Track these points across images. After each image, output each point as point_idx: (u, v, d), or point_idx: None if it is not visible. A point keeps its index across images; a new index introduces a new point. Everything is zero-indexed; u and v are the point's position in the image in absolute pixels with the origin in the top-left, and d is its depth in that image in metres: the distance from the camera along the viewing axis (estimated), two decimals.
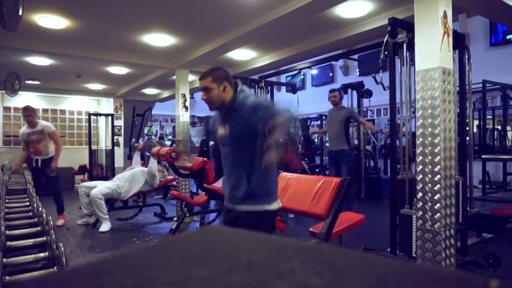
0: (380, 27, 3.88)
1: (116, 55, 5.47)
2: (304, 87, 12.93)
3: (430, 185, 2.57)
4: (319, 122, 9.66)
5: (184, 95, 6.04)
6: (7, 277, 1.54)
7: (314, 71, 12.23)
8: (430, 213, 2.57)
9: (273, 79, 6.70)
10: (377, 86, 4.90)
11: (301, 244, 0.36)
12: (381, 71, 3.66)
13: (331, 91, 5.53)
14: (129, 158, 7.75)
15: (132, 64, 5.96)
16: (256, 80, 5.97)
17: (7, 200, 3.06)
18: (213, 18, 3.99)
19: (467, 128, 3.54)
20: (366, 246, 3.48)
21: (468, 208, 3.11)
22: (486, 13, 3.80)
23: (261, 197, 1.89)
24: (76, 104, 9.31)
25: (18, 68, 6.05)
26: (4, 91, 6.60)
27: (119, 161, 8.54)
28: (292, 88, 7.04)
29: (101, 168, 8.05)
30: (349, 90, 6.84)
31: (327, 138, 6.78)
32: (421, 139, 2.63)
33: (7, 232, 2.07)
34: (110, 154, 7.82)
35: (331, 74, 12.08)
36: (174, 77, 6.19)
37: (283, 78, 11.12)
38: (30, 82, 7.35)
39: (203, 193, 4.41)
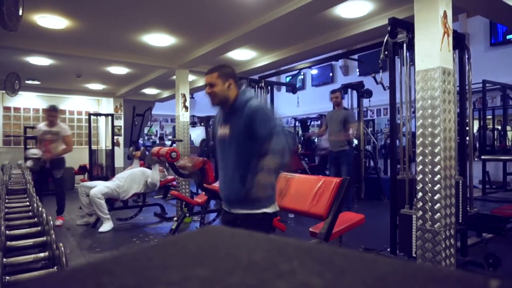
0: (380, 27, 3.88)
1: (116, 55, 5.47)
2: (304, 87, 12.93)
3: (430, 185, 2.57)
4: (319, 122, 9.67)
5: (184, 95, 6.04)
6: (7, 277, 1.54)
7: (314, 71, 12.23)
8: (430, 213, 2.57)
9: (273, 79, 6.70)
10: (377, 86, 4.90)
11: (301, 244, 0.36)
12: (381, 71, 3.66)
13: (332, 92, 5.53)
14: (129, 158, 7.75)
15: (132, 64, 5.96)
16: (256, 80, 5.97)
17: (7, 200, 3.06)
18: (213, 18, 3.99)
19: (467, 128, 3.54)
20: (366, 246, 3.48)
21: (468, 208, 3.11)
22: (486, 13, 3.80)
23: (259, 201, 1.86)
24: (76, 104, 9.31)
25: (18, 68, 6.05)
26: (4, 91, 6.60)
27: (119, 161, 8.54)
28: (292, 88, 7.04)
29: (101, 168, 8.05)
30: (349, 90, 6.83)
31: (320, 139, 6.85)
32: (421, 139, 2.63)
33: (7, 232, 2.07)
34: (110, 154, 7.82)
35: (331, 74, 12.08)
36: (174, 77, 6.19)
37: (283, 78, 11.13)
38: (30, 82, 7.35)
39: (203, 193, 4.41)
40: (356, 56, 6.56)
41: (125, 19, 4.07)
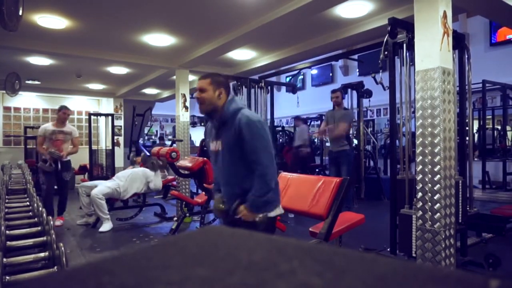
0: (380, 27, 3.88)
1: (116, 55, 5.47)
2: (304, 87, 12.93)
3: (430, 185, 2.57)
4: (319, 122, 9.67)
5: (184, 95, 6.04)
6: (7, 277, 1.54)
7: (314, 71, 12.24)
8: (430, 213, 2.57)
9: (273, 79, 6.70)
10: (377, 86, 4.90)
11: (301, 244, 0.36)
12: (381, 71, 3.66)
13: (333, 91, 5.53)
14: (129, 158, 7.76)
15: (132, 64, 5.96)
16: (256, 80, 5.97)
17: (7, 200, 3.06)
18: (213, 18, 3.99)
19: (467, 128, 3.54)
20: (366, 246, 3.48)
21: (468, 208, 3.11)
22: (486, 13, 3.80)
23: (260, 208, 1.87)
24: (76, 104, 9.31)
25: (18, 68, 6.06)
26: (4, 91, 6.60)
27: (119, 161, 8.54)
28: (292, 88, 7.04)
29: (101, 168, 8.05)
30: (349, 90, 6.83)
31: (326, 139, 6.69)
32: (421, 139, 2.63)
33: (7, 232, 2.07)
34: (110, 154, 7.81)
35: (331, 74, 12.08)
36: (174, 77, 6.19)
37: (283, 78, 11.12)
38: (30, 82, 7.35)
39: (203, 193, 4.41)
40: (356, 56, 6.56)
41: (125, 19, 4.07)
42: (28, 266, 1.80)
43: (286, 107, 11.50)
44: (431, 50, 2.60)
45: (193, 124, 8.63)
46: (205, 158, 4.27)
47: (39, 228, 2.23)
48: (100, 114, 8.35)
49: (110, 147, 7.85)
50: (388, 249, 3.19)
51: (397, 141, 3.65)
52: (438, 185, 2.54)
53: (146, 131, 9.30)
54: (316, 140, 10.35)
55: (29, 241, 2.06)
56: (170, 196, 5.65)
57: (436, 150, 2.55)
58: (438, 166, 2.54)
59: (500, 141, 7.92)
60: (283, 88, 10.18)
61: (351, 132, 5.40)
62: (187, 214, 4.68)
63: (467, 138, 3.50)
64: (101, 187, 4.62)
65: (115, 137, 8.31)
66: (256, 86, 5.87)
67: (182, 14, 3.90)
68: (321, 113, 9.02)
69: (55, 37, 4.61)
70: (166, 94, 8.95)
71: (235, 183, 1.90)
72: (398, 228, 2.96)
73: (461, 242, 3.10)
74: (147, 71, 6.67)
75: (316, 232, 2.51)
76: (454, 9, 2.74)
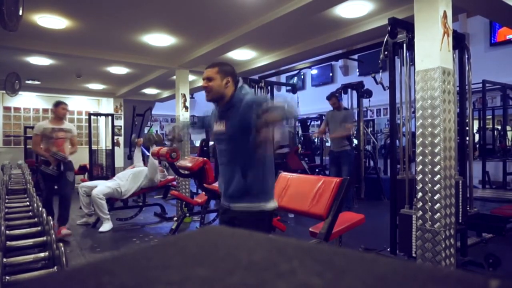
0: (380, 27, 3.88)
1: (116, 55, 5.47)
2: (304, 87, 12.93)
3: (430, 185, 2.57)
4: (319, 122, 9.66)
5: (184, 95, 6.04)
6: (7, 277, 1.54)
7: (314, 71, 12.23)
8: (430, 213, 2.57)
9: (273, 79, 6.70)
10: (377, 86, 4.90)
11: (301, 244, 0.36)
12: (381, 71, 3.67)
13: (328, 98, 5.54)
14: (129, 158, 7.74)
15: (132, 64, 5.96)
16: (256, 80, 5.97)
17: (7, 200, 3.06)
18: (213, 18, 3.99)
19: (467, 128, 3.54)
20: (366, 246, 3.48)
21: (468, 208, 3.11)
22: (486, 13, 3.80)
23: (257, 195, 1.88)
24: (76, 104, 9.31)
25: (18, 68, 6.05)
26: (4, 91, 6.60)
27: (119, 161, 8.54)
28: (292, 88, 7.04)
29: (101, 168, 8.05)
30: (349, 90, 6.83)
31: (327, 139, 6.66)
32: (421, 139, 2.63)
33: (7, 232, 2.07)
34: (110, 154, 7.81)
35: (331, 74, 12.08)
36: (174, 77, 6.19)
37: (283, 78, 11.12)
38: (30, 82, 7.35)
39: (203, 193, 4.41)
40: (356, 56, 6.56)
41: (125, 19, 4.07)
42: (28, 266, 1.80)
43: None
44: (431, 50, 2.60)
45: (193, 124, 8.62)
46: (205, 158, 4.26)
47: (39, 228, 2.23)
48: (100, 114, 8.35)
49: (110, 147, 7.85)
50: (388, 249, 3.19)
51: (397, 141, 3.65)
52: (438, 185, 2.54)
53: (146, 131, 9.30)
54: (316, 140, 10.35)
55: (29, 241, 2.06)
56: (170, 196, 5.65)
57: (436, 150, 2.55)
58: (438, 166, 2.54)
59: (500, 141, 7.92)
60: (283, 88, 10.17)
61: (351, 132, 5.41)
62: (187, 214, 4.68)
63: (467, 138, 3.50)
64: (102, 187, 4.62)
65: (115, 137, 8.31)
66: (256, 86, 5.88)
67: (182, 14, 3.90)
68: (321, 113, 9.02)
69: (55, 37, 4.61)
70: (166, 94, 8.95)
71: (237, 163, 1.90)
72: (398, 228, 2.96)
73: (461, 242, 3.10)
74: (147, 71, 6.67)
75: (316, 232, 2.51)
76: (454, 9, 2.74)
